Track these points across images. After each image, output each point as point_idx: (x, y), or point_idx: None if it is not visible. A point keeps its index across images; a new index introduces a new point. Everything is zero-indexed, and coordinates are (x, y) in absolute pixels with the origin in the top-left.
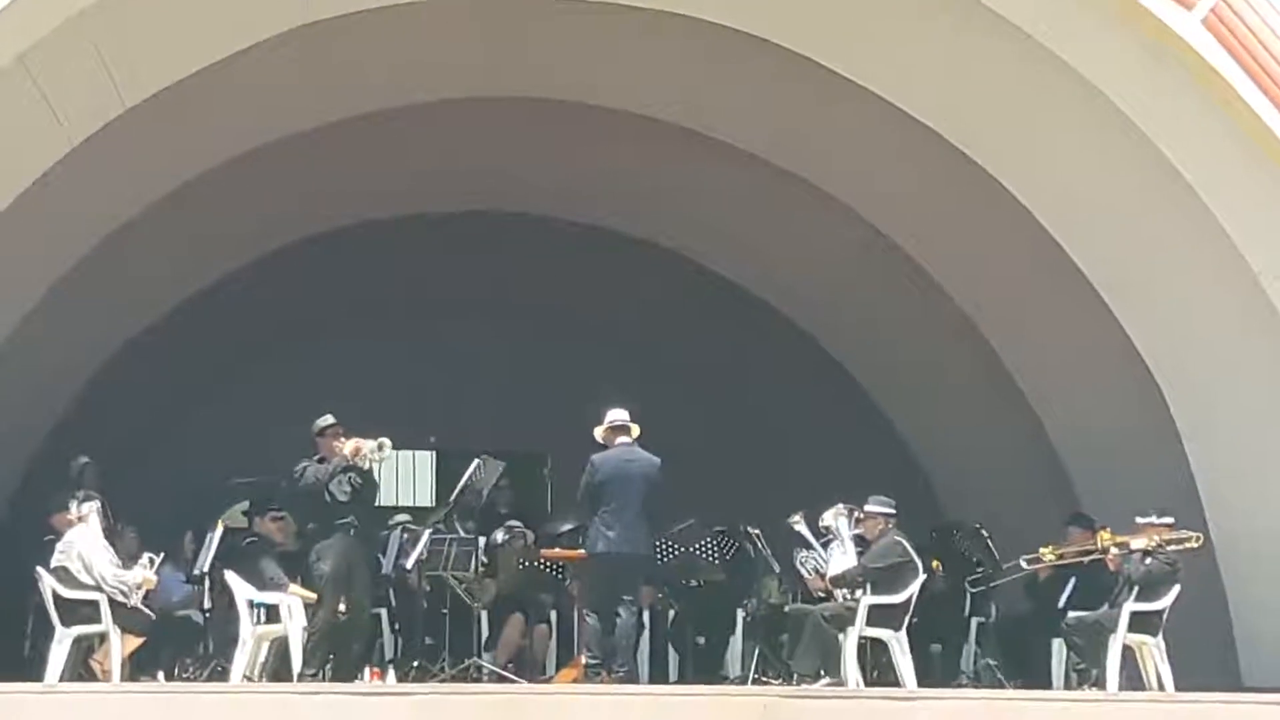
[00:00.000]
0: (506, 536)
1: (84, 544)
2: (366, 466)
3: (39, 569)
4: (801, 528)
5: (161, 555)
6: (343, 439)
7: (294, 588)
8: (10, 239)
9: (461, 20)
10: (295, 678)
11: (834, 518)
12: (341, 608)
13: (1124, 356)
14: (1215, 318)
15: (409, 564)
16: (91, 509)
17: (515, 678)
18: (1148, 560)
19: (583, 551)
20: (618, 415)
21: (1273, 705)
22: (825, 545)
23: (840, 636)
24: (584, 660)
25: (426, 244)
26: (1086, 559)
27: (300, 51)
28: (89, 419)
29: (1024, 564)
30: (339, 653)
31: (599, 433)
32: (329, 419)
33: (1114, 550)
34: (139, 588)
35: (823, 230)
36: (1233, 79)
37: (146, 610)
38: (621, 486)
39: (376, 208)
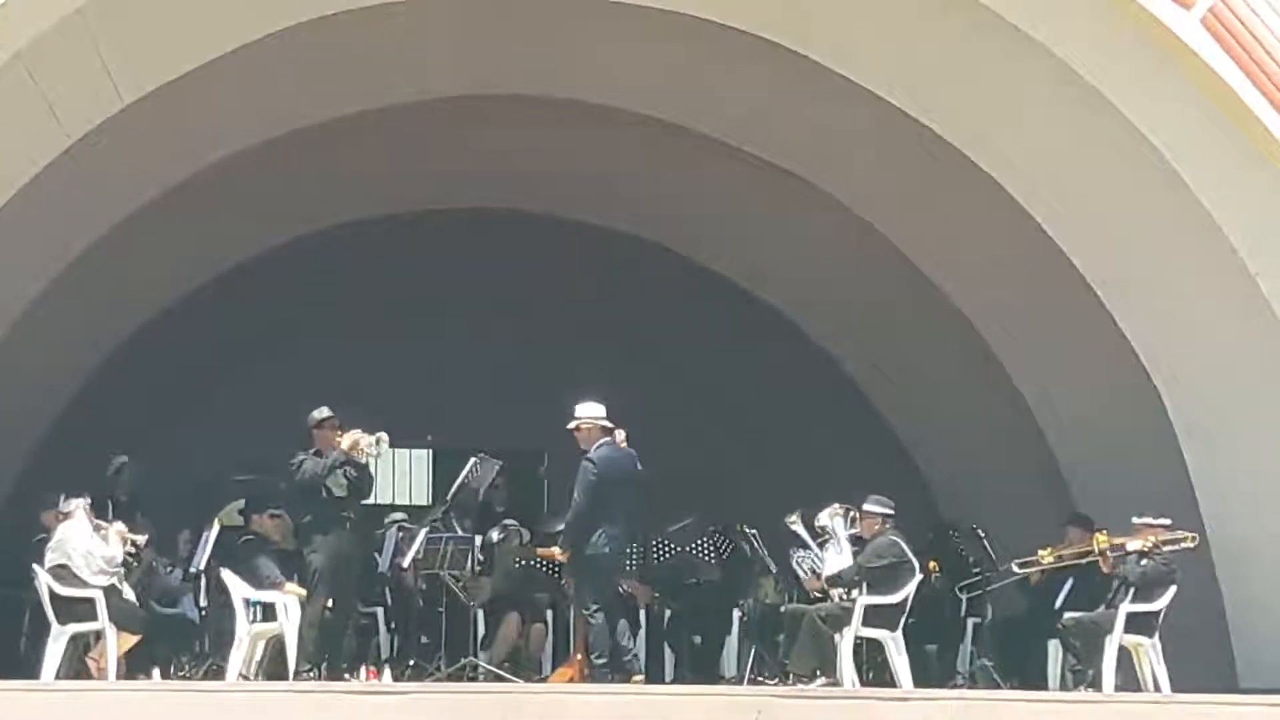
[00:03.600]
0: (502, 535)
1: (76, 539)
2: (364, 461)
3: (35, 567)
4: (798, 527)
5: (145, 538)
6: (340, 432)
7: (290, 586)
8: (6, 237)
9: (458, 18)
10: (291, 676)
11: (830, 517)
12: (329, 603)
13: (1121, 356)
14: (1212, 317)
15: (405, 563)
16: (78, 505)
17: (511, 677)
18: (1144, 561)
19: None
20: (598, 411)
21: (1269, 706)
22: (822, 545)
23: (836, 636)
24: (584, 660)
25: (423, 242)
26: (1083, 560)
27: (299, 48)
28: (86, 417)
29: (1016, 569)
30: (329, 648)
31: (584, 429)
32: (325, 411)
33: (1109, 553)
34: (136, 547)
35: (820, 229)
36: (1230, 78)
37: (138, 604)
38: (623, 486)
39: (373, 206)
